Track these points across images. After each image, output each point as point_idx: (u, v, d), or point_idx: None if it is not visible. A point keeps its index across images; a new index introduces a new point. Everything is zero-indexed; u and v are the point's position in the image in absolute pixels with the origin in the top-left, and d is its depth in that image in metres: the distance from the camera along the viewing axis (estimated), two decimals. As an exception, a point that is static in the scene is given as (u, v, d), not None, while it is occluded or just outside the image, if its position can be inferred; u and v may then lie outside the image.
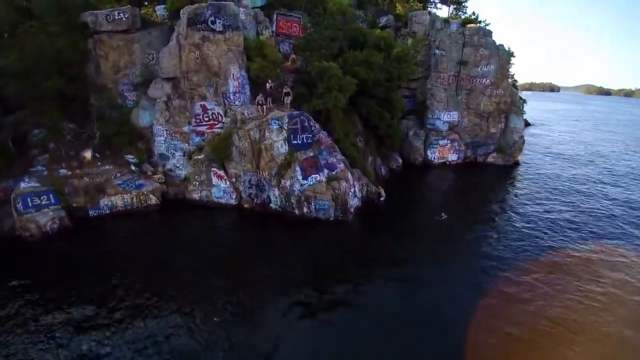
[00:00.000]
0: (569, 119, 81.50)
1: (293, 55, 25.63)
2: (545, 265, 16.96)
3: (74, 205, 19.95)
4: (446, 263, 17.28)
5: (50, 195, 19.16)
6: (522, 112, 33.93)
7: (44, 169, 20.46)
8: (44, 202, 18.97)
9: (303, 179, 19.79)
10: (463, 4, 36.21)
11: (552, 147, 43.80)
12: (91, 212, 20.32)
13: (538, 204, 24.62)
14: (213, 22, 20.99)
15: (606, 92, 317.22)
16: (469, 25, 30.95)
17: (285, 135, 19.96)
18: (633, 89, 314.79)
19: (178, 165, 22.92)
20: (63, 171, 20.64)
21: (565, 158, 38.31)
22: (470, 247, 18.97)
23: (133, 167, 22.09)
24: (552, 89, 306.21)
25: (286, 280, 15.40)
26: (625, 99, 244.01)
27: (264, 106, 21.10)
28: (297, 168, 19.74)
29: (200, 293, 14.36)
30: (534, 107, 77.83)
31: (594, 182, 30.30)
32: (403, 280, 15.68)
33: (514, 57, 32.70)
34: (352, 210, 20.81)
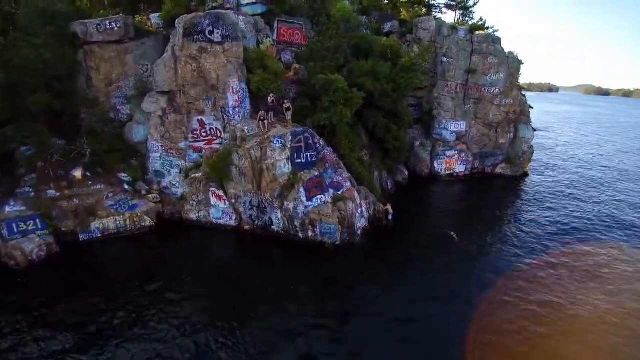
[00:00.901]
0: (572, 122, 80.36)
1: (296, 65, 24.41)
2: (558, 290, 16.13)
3: (63, 229, 18.73)
4: (457, 289, 16.25)
5: (37, 220, 17.98)
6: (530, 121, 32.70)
7: (30, 190, 19.19)
8: (30, 228, 17.83)
9: (307, 200, 18.55)
10: (470, 9, 34.98)
11: (560, 155, 42.70)
12: (81, 237, 19.04)
13: (549, 218, 23.68)
14: (211, 33, 19.73)
15: (605, 93, 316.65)
16: (477, 32, 29.74)
17: (289, 153, 18.71)
18: (632, 89, 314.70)
19: (174, 183, 21.67)
20: (51, 192, 19.40)
21: (574, 167, 37.18)
22: (479, 267, 17.97)
23: (126, 186, 20.86)
24: (551, 89, 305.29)
25: (288, 310, 14.41)
26: (624, 100, 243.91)
27: (266, 121, 19.85)
28: (301, 189, 18.50)
29: (197, 323, 13.51)
30: (534, 110, 76.77)
31: (607, 193, 29.30)
32: (409, 307, 14.86)
33: (522, 64, 31.31)
34: (359, 232, 19.60)
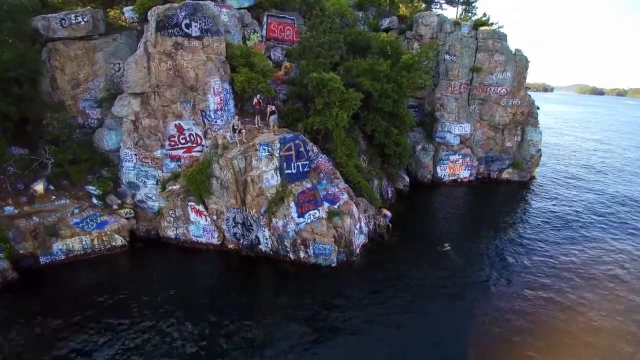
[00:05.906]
0: (575, 123, 78.66)
1: (286, 63, 22.21)
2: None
3: (21, 252, 16.41)
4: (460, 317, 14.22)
5: (-11, 243, 15.57)
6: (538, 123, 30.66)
7: (-17, 207, 16.79)
8: (-20, 252, 15.42)
9: (299, 216, 16.32)
10: (473, 4, 32.83)
11: (567, 159, 40.79)
12: (42, 260, 16.77)
13: (558, 229, 22.00)
14: (188, 26, 17.45)
15: (599, 92, 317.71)
16: (482, 28, 27.67)
17: (277, 163, 16.45)
18: (626, 88, 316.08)
19: (150, 195, 19.34)
20: (9, 209, 17.00)
21: (582, 172, 35.24)
22: (480, 286, 16.23)
23: (95, 200, 18.50)
24: (546, 89, 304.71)
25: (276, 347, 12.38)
26: (620, 99, 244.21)
27: (243, 131, 17.35)
28: (292, 204, 16.25)
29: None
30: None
31: (616, 199, 27.52)
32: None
33: (529, 62, 29.23)
34: (357, 250, 17.39)
